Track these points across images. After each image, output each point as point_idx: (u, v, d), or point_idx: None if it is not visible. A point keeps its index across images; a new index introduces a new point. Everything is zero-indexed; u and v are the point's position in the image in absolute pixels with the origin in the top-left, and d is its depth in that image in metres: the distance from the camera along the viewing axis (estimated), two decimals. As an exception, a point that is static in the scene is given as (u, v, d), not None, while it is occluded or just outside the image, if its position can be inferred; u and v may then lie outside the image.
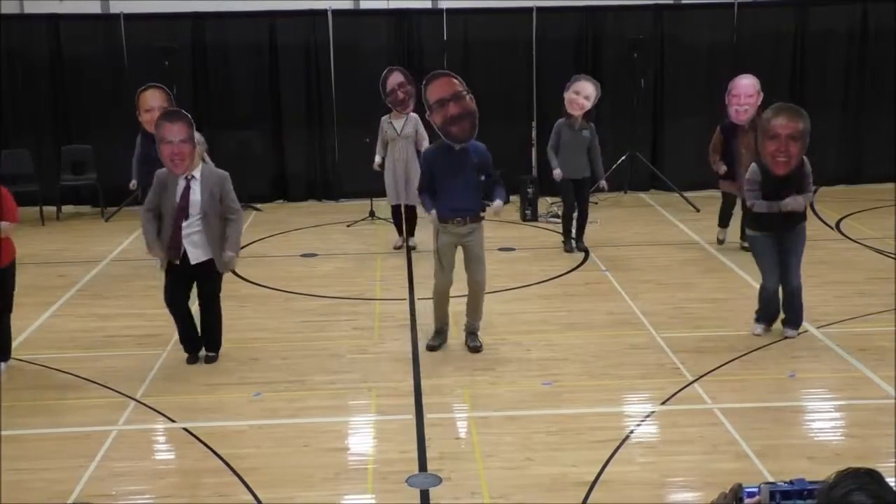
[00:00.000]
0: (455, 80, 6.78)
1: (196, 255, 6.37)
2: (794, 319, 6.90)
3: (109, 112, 12.02)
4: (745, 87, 8.74)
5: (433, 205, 6.64)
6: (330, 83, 12.36)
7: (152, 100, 9.23)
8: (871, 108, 12.55)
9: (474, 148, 6.68)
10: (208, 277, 6.51)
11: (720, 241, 9.54)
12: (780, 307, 6.87)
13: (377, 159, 9.57)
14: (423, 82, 6.92)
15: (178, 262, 6.38)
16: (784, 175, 6.45)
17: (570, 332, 7.19)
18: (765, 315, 6.92)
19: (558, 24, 12.41)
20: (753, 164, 6.62)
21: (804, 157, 6.52)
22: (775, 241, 6.68)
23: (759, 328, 6.91)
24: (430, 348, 6.85)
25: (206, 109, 12.22)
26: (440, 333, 6.94)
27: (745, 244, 9.05)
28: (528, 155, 12.58)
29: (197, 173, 6.35)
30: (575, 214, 9.63)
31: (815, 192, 6.49)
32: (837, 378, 6.21)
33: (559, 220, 10.06)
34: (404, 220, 9.70)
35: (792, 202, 6.48)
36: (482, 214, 6.76)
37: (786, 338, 6.82)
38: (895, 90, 12.37)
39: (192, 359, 6.65)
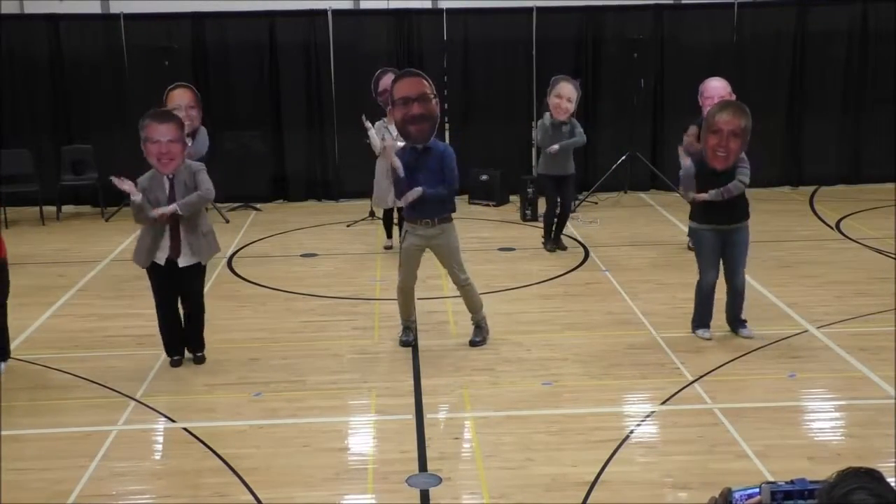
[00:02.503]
0: (425, 82, 6.74)
1: (186, 258, 6.34)
2: (740, 319, 6.96)
3: (109, 112, 12.04)
4: (717, 89, 8.80)
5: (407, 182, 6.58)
6: (330, 83, 12.36)
7: (180, 98, 9.19)
8: (871, 108, 12.55)
9: (438, 148, 6.68)
10: (193, 279, 6.46)
11: (691, 248, 9.47)
12: (713, 306, 6.96)
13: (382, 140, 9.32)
14: (394, 78, 6.93)
15: (162, 264, 6.33)
16: (721, 170, 6.55)
17: (570, 332, 7.19)
18: (704, 316, 6.95)
19: (558, 24, 12.41)
20: (689, 160, 6.74)
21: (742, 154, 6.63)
22: (718, 236, 6.74)
23: (707, 333, 6.92)
24: (406, 344, 6.89)
25: (206, 109, 12.18)
26: (409, 329, 6.98)
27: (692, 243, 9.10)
28: (528, 155, 12.59)
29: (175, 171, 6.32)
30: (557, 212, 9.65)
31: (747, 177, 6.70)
32: (837, 378, 6.21)
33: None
34: (397, 222, 9.70)
35: (713, 194, 6.57)
36: (450, 217, 6.74)
37: (745, 338, 6.87)
38: (895, 90, 12.38)
39: (177, 362, 6.62)
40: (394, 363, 6.63)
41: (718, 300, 6.99)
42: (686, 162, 6.94)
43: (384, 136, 9.32)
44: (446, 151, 6.72)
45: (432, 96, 6.69)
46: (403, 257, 6.80)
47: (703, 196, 6.62)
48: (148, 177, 6.35)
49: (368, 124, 9.39)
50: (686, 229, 10.27)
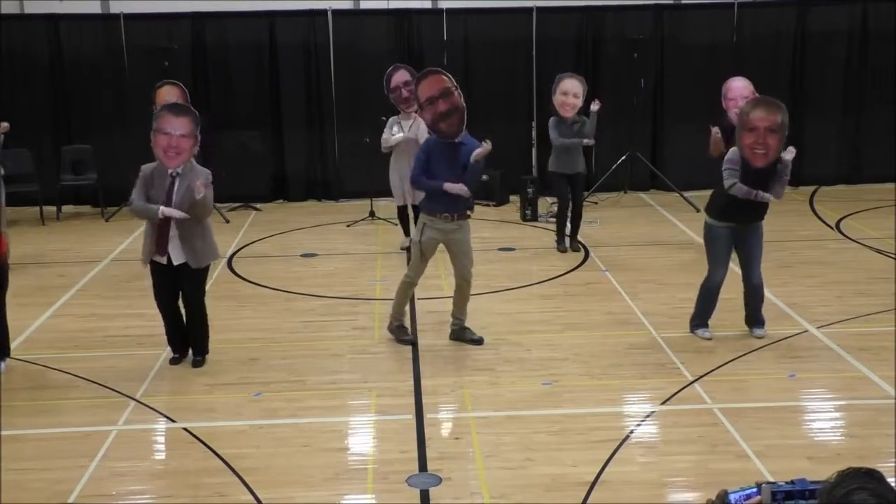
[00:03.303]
0: (444, 77, 6.81)
1: (178, 255, 6.30)
2: (759, 318, 6.95)
3: (109, 112, 12.04)
4: (740, 90, 8.74)
5: (433, 184, 6.64)
6: (330, 83, 12.36)
7: (168, 95, 9.22)
8: (871, 108, 12.54)
9: (469, 143, 6.70)
10: (190, 279, 6.42)
11: None
12: (716, 305, 6.94)
13: (394, 136, 9.30)
14: (415, 81, 6.96)
15: (164, 263, 6.32)
16: (762, 167, 6.48)
17: (570, 332, 7.19)
18: (705, 314, 6.94)
19: (558, 24, 12.40)
20: (734, 148, 6.61)
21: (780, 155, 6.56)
22: (733, 234, 6.72)
23: (707, 332, 6.92)
24: (408, 342, 6.91)
25: (206, 110, 12.21)
26: (403, 327, 7.00)
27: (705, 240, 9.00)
28: (529, 155, 12.58)
29: (181, 169, 6.25)
30: (569, 212, 9.61)
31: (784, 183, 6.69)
32: (837, 378, 6.21)
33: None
34: (411, 220, 9.68)
35: (768, 196, 6.53)
36: (469, 213, 6.80)
37: (757, 338, 6.87)
38: (895, 90, 12.38)
39: (176, 360, 6.61)
40: (394, 363, 6.63)
41: (719, 299, 6.99)
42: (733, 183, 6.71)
43: (395, 133, 9.31)
44: (474, 145, 6.67)
45: (454, 89, 6.74)
46: (421, 250, 6.80)
47: (740, 191, 6.47)
48: (152, 168, 6.28)
49: (388, 123, 9.40)
50: (687, 230, 10.32)
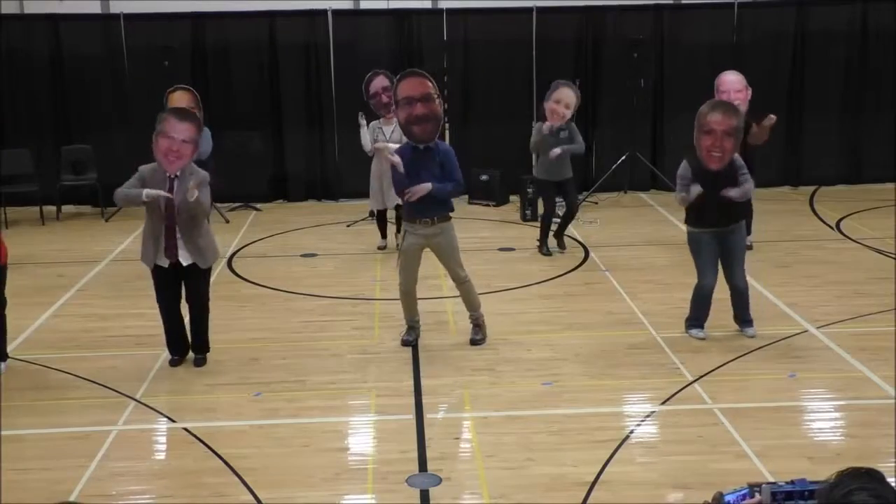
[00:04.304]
0: (429, 83, 6.74)
1: (186, 256, 6.31)
2: (746, 318, 6.96)
3: (109, 112, 12.04)
4: (733, 83, 8.73)
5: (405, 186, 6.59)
6: (330, 83, 12.35)
7: (179, 101, 9.22)
8: (871, 108, 12.53)
9: (439, 147, 6.70)
10: (196, 278, 6.44)
11: None
12: (710, 308, 6.95)
13: (377, 143, 9.29)
14: (397, 77, 6.92)
15: (166, 266, 6.33)
16: (717, 170, 6.55)
17: (570, 332, 7.19)
18: (699, 317, 6.94)
19: (558, 24, 12.40)
20: (684, 161, 6.70)
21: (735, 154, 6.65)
22: (715, 239, 6.74)
23: (700, 332, 6.93)
24: (407, 343, 6.91)
25: (206, 109, 12.20)
26: (412, 329, 6.99)
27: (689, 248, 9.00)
28: (529, 155, 12.57)
29: (179, 172, 6.24)
30: (561, 212, 9.59)
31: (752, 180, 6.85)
32: (837, 378, 6.21)
33: (557, 219, 9.82)
34: (393, 221, 9.71)
35: (732, 192, 6.56)
36: (449, 214, 6.77)
37: (749, 338, 6.88)
38: (895, 90, 12.37)
39: (177, 361, 6.61)
40: (394, 363, 6.63)
41: (717, 300, 6.99)
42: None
43: (377, 138, 9.33)
44: (448, 150, 6.76)
45: (436, 96, 6.68)
46: (403, 258, 6.80)
47: (693, 194, 6.58)
48: (151, 168, 6.28)
49: (363, 121, 9.43)
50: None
